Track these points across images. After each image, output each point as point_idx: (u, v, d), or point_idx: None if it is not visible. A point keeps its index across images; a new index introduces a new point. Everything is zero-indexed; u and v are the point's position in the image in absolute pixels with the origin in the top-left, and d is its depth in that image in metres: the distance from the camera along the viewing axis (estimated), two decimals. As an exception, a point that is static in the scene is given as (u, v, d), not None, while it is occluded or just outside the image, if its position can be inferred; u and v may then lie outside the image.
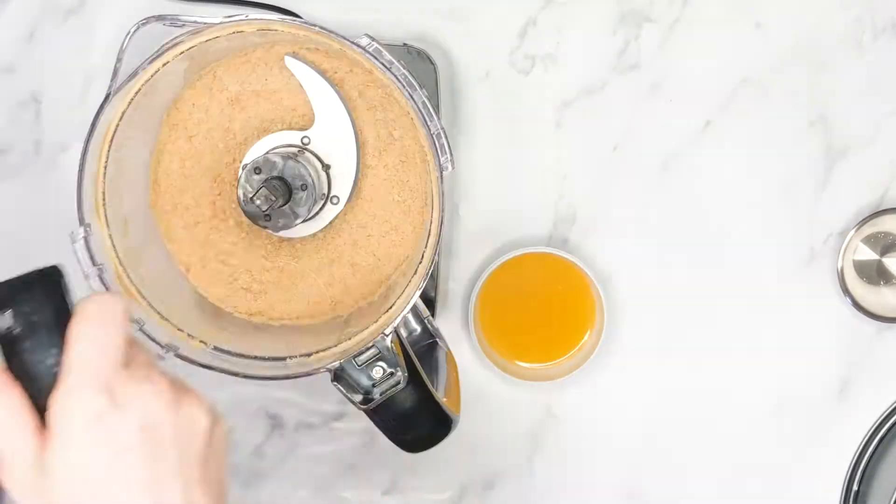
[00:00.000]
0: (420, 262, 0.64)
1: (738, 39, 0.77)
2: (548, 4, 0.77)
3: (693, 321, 0.79)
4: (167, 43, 0.62)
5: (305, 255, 0.67)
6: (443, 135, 0.60)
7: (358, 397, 0.62)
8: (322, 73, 0.64)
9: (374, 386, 0.62)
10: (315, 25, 0.60)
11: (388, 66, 0.60)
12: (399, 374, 0.62)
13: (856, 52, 0.77)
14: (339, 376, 0.63)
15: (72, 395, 0.44)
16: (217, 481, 0.48)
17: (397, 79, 0.60)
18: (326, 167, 0.65)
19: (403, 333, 0.66)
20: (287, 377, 0.65)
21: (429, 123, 0.60)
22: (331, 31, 0.60)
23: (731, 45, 0.77)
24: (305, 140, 0.65)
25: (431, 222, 0.63)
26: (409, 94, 0.60)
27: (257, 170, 0.62)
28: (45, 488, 0.44)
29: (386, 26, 0.76)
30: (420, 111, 0.60)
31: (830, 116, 0.77)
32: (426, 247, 0.64)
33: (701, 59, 0.77)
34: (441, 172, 0.60)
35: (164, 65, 0.62)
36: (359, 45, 0.60)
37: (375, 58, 0.60)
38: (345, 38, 0.60)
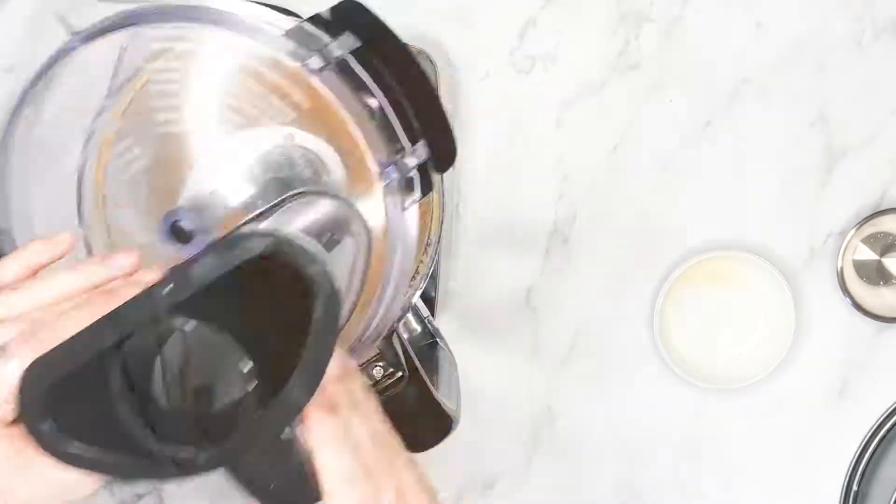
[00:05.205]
0: (420, 263, 0.64)
1: (738, 39, 0.77)
2: (548, 4, 0.77)
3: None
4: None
5: None
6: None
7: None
8: None
9: (374, 386, 0.62)
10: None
11: None
12: (399, 374, 0.62)
13: (856, 52, 0.77)
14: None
15: None
16: None
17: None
18: None
19: (404, 334, 0.66)
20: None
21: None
22: None
23: (731, 45, 0.77)
24: None
25: (432, 223, 0.63)
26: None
27: None
28: None
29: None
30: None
31: (830, 116, 0.77)
32: (427, 247, 0.64)
33: (701, 59, 0.77)
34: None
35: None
36: None
37: None
38: None
